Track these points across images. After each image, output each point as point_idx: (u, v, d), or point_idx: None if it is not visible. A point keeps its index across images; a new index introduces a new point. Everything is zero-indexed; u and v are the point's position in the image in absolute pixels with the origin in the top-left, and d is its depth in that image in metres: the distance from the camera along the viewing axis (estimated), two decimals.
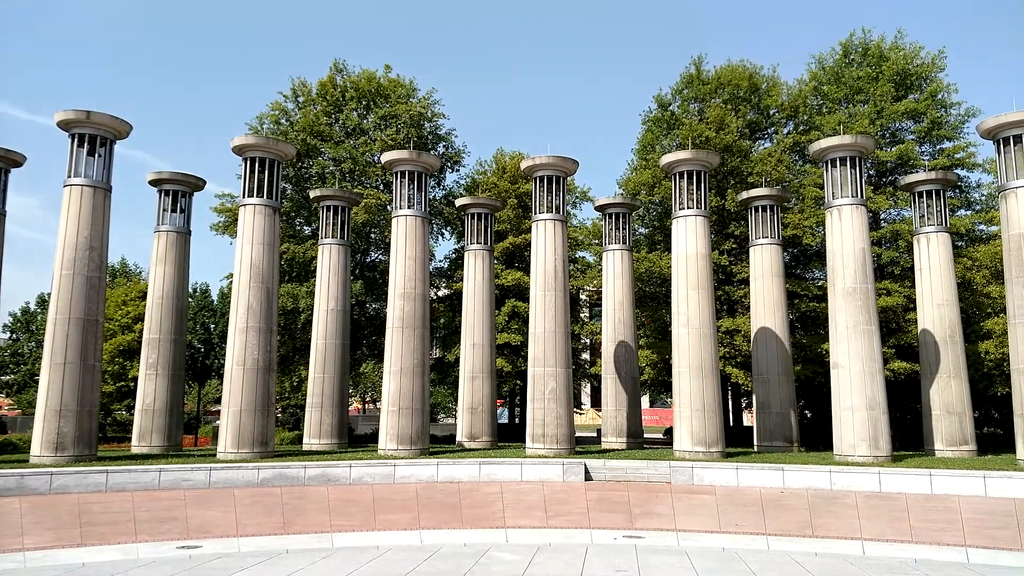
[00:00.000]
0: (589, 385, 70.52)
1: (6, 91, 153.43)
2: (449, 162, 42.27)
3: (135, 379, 33.06)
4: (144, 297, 38.90)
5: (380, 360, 39.22)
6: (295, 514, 19.60)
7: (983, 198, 37.41)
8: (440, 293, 45.04)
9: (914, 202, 28.77)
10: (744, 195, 30.63)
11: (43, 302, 57.50)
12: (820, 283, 36.67)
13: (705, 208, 25.48)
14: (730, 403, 41.53)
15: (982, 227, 36.76)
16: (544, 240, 25.99)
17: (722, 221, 37.60)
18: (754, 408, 30.08)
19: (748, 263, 31.39)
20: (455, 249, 43.79)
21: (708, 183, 26.29)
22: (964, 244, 36.03)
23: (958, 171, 35.67)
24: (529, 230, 31.21)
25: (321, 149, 39.65)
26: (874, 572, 16.48)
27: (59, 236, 22.32)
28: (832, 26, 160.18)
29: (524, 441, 25.93)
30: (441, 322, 43.36)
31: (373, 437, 35.16)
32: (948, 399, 26.71)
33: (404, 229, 25.90)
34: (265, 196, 24.62)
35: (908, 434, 34.47)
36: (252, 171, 24.65)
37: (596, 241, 41.90)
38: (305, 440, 28.99)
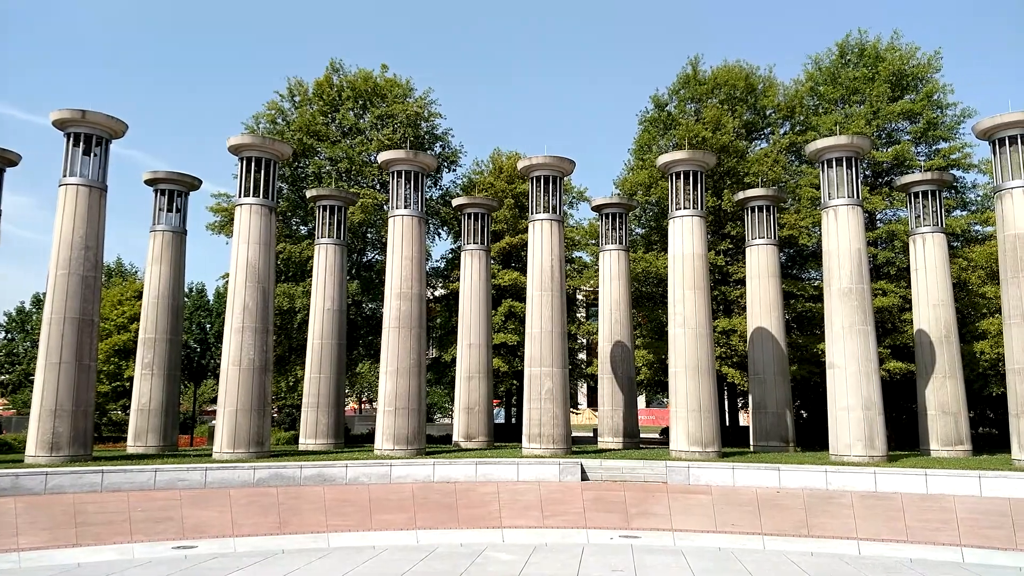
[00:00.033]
0: (586, 385, 70.67)
1: (5, 91, 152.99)
2: (446, 162, 42.22)
3: (131, 379, 32.93)
4: (140, 297, 38.93)
5: (376, 360, 39.26)
6: (291, 514, 19.57)
7: (979, 199, 37.54)
8: (437, 293, 45.06)
9: (910, 203, 28.81)
10: (740, 195, 30.65)
11: (38, 302, 57.43)
12: (816, 283, 36.73)
13: (701, 208, 25.53)
14: (726, 403, 41.58)
15: (978, 228, 36.88)
16: (541, 240, 25.99)
17: (718, 221, 37.64)
18: (750, 408, 30.12)
19: (744, 263, 31.42)
20: (452, 249, 43.79)
21: (704, 183, 26.33)
22: (960, 245, 36.12)
23: (954, 172, 35.78)
24: (526, 230, 31.19)
25: (317, 149, 39.59)
26: (870, 572, 16.51)
27: (54, 235, 22.24)
28: (830, 26, 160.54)
29: (520, 441, 25.91)
30: (437, 322, 43.36)
31: (369, 437, 35.12)
32: (944, 399, 26.77)
33: (400, 229, 25.88)
34: (261, 196, 24.58)
35: (904, 434, 34.54)
36: (248, 171, 24.59)
37: (593, 241, 41.93)
38: (301, 440, 28.96)
